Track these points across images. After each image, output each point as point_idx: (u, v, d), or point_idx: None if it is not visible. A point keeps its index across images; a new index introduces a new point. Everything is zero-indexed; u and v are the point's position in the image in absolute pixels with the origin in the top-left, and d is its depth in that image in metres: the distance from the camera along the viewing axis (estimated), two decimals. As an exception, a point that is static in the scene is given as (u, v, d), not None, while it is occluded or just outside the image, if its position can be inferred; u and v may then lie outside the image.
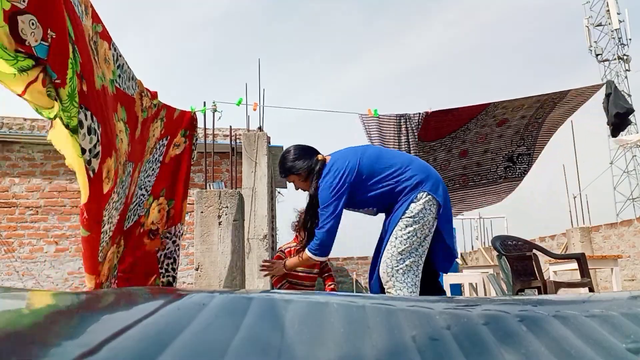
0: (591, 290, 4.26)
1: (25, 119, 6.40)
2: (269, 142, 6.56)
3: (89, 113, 1.62)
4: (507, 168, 4.64)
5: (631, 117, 4.28)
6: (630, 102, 4.14)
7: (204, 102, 3.59)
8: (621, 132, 4.26)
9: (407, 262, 2.37)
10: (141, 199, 2.92)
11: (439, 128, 4.30)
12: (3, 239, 6.17)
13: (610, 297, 0.96)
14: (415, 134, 4.16)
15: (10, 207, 6.31)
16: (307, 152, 2.59)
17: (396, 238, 2.40)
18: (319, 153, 2.61)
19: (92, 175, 1.68)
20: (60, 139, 1.66)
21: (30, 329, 0.62)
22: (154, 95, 2.69)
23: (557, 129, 4.56)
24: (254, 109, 3.87)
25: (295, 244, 4.06)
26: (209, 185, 4.10)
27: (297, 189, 2.67)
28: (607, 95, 4.11)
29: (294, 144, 2.64)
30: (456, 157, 4.52)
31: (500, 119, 4.34)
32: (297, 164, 2.55)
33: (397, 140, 4.14)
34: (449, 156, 4.51)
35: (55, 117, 1.50)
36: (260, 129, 5.49)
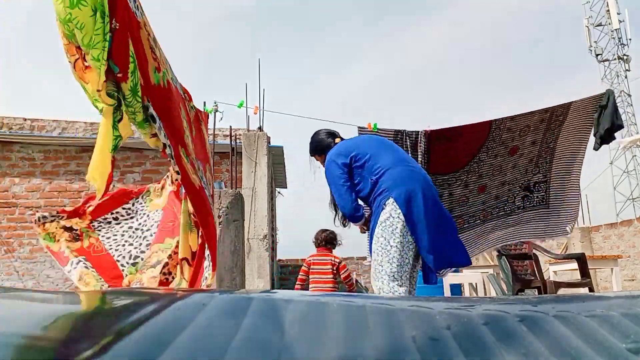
0: (591, 290, 4.26)
1: (25, 119, 6.40)
2: (269, 142, 6.56)
3: (151, 107, 1.58)
4: (525, 198, 4.39)
5: (617, 134, 4.18)
6: (620, 119, 4.04)
7: (204, 102, 3.59)
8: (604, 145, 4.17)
9: (387, 272, 2.42)
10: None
11: (450, 158, 4.09)
12: (3, 239, 6.17)
13: (610, 297, 0.96)
14: (419, 158, 3.97)
15: (10, 207, 6.31)
16: (328, 134, 2.94)
17: (374, 251, 2.53)
18: (341, 138, 2.94)
19: (179, 170, 1.65)
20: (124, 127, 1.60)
21: (30, 330, 0.62)
22: (190, 97, 2.69)
23: (572, 154, 4.27)
24: (255, 112, 3.87)
25: (316, 256, 4.70)
26: (209, 185, 4.11)
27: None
28: (602, 107, 4.00)
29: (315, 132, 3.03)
30: (475, 193, 4.28)
31: (511, 146, 4.15)
32: (312, 144, 2.96)
33: None
34: (466, 192, 4.26)
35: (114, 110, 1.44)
36: (260, 129, 5.51)
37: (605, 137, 3.98)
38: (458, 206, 4.18)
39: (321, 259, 4.63)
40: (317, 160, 3.02)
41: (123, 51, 1.39)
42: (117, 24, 1.35)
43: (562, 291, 3.93)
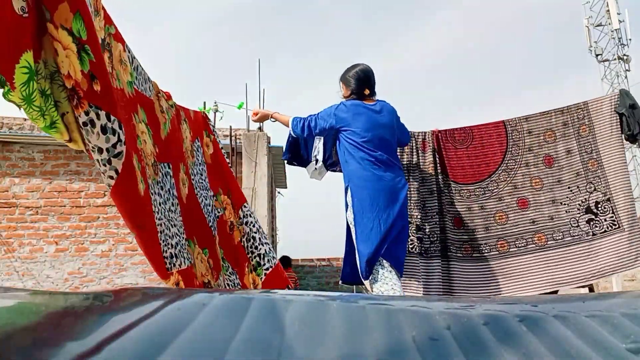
0: (591, 290, 4.25)
1: (25, 119, 6.40)
2: (269, 142, 6.56)
3: (102, 112, 1.59)
4: (591, 221, 3.71)
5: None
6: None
7: (204, 103, 3.59)
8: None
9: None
10: (210, 200, 2.95)
11: (472, 165, 3.75)
12: (3, 239, 6.17)
13: (610, 297, 0.96)
14: (429, 159, 3.75)
15: (10, 207, 6.31)
16: (364, 80, 2.96)
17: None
18: (371, 92, 2.96)
19: (114, 175, 1.66)
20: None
21: (30, 330, 0.62)
22: (169, 96, 2.69)
23: (622, 162, 3.79)
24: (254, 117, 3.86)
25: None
26: (209, 185, 4.11)
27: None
28: (631, 107, 3.77)
29: (367, 66, 3.04)
30: (515, 208, 3.74)
31: (542, 154, 3.76)
32: (344, 77, 3.02)
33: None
34: (502, 206, 3.74)
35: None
36: (260, 129, 5.50)
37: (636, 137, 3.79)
38: (495, 224, 3.69)
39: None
40: (341, 85, 3.08)
41: (9, 63, 1.40)
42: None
43: (562, 291, 3.91)
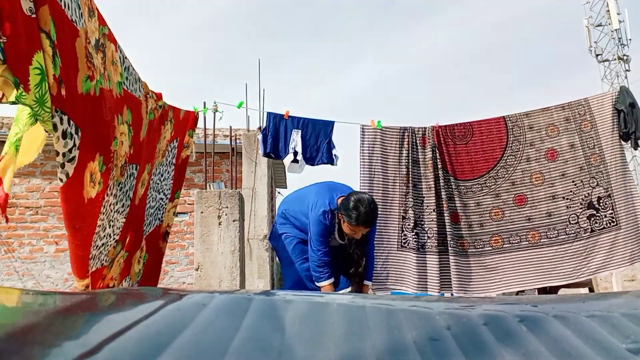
0: (591, 290, 4.24)
1: (25, 119, 6.40)
2: (269, 142, 6.56)
3: (65, 117, 1.61)
4: (592, 217, 3.65)
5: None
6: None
7: (204, 103, 3.58)
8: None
9: None
10: (161, 203, 2.93)
11: (470, 161, 3.73)
12: (3, 239, 6.17)
13: (610, 297, 0.96)
14: (429, 156, 3.72)
15: (10, 207, 6.31)
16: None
17: None
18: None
19: (64, 179, 1.68)
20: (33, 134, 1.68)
21: (30, 330, 0.62)
22: (159, 96, 2.69)
23: (623, 159, 3.77)
24: (285, 117, 3.81)
25: None
26: (209, 185, 4.10)
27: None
28: (631, 105, 3.74)
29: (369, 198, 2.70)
30: (511, 205, 3.69)
31: (545, 149, 3.74)
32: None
33: (398, 155, 3.76)
34: (499, 202, 3.69)
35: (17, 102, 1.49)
36: (260, 129, 5.48)
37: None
38: (491, 220, 3.69)
39: None
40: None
41: (23, 64, 1.40)
42: (5, 38, 1.35)
43: (562, 291, 3.91)
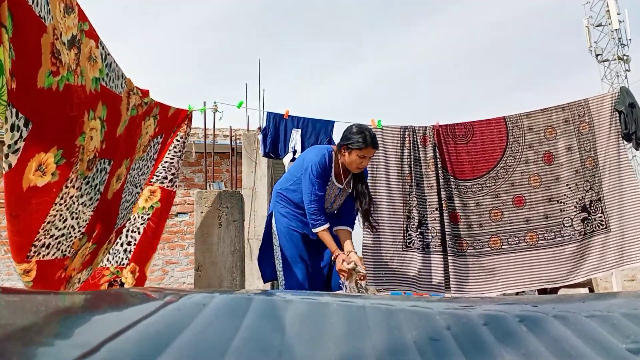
0: (591, 290, 4.24)
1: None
2: (269, 143, 6.56)
3: (14, 110, 1.65)
4: (585, 220, 3.67)
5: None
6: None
7: (204, 102, 3.58)
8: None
9: None
10: (136, 197, 2.94)
11: (470, 161, 3.73)
12: (3, 239, 6.16)
13: (610, 297, 0.96)
14: (430, 154, 3.72)
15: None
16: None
17: None
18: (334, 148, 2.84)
19: (6, 169, 1.71)
20: None
21: (30, 330, 0.62)
22: (145, 93, 2.70)
23: (619, 162, 3.72)
24: (285, 117, 3.81)
25: None
26: (209, 185, 4.11)
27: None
28: (631, 106, 3.59)
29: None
30: (510, 206, 3.73)
31: (543, 152, 3.75)
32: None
33: (400, 154, 3.75)
34: (498, 203, 3.73)
35: None
36: (260, 129, 5.48)
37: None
38: (490, 221, 3.70)
39: None
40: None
41: None
42: None
43: (562, 291, 3.91)
